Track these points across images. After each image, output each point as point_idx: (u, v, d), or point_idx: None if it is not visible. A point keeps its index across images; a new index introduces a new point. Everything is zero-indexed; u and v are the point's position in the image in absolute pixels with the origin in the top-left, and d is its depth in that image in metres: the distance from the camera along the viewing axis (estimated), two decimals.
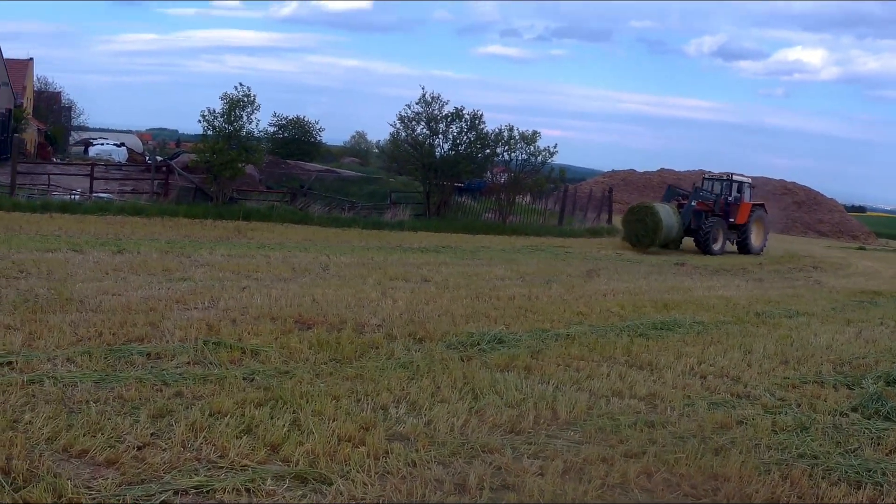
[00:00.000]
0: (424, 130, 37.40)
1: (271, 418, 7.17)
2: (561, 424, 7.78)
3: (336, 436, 6.89)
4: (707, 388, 9.69)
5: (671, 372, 10.18)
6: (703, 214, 35.05)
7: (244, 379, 8.38)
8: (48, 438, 6.38)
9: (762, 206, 38.17)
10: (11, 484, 5.54)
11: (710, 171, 38.21)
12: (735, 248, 36.40)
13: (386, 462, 6.50)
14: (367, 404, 7.83)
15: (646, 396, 8.98)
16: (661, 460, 6.97)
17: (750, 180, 37.96)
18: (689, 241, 35.07)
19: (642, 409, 8.54)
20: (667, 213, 33.33)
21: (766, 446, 7.66)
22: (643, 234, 32.89)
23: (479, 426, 7.49)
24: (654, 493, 6.39)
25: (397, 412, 7.69)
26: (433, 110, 37.20)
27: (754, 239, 36.79)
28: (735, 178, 37.04)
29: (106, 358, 8.63)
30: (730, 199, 36.33)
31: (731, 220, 35.85)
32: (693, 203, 35.12)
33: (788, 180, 79.77)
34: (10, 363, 8.21)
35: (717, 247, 34.49)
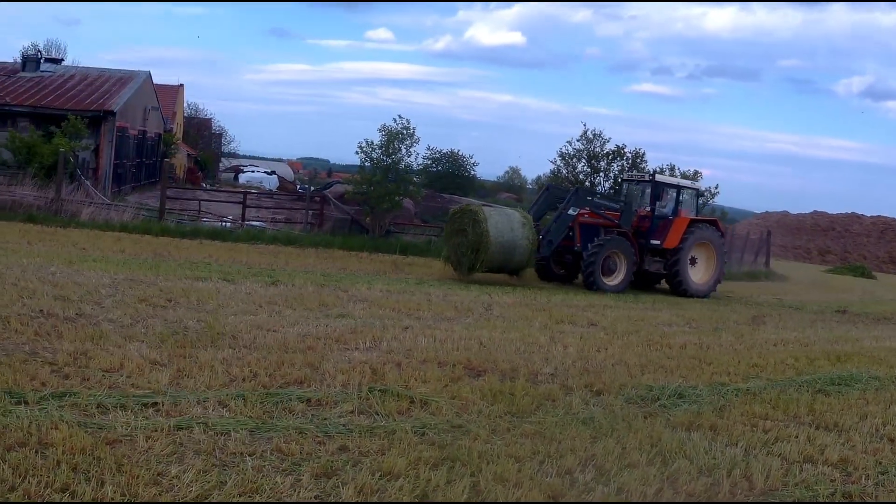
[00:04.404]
0: (585, 168, 37.17)
1: (448, 483, 6.64)
2: (758, 495, 7.29)
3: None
4: None
5: (858, 434, 9.62)
6: (599, 231, 25.63)
7: (415, 433, 7.86)
8: (197, 497, 5.92)
9: (713, 223, 27.75)
10: None
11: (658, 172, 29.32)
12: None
13: None
14: (552, 468, 7.27)
15: (838, 462, 8.45)
16: None
17: (697, 185, 29.31)
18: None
19: (837, 477, 8.03)
20: (503, 223, 23.63)
21: None
22: (463, 253, 23.53)
23: (673, 496, 6.99)
24: None
25: (584, 478, 7.12)
26: (594, 148, 37.18)
27: (695, 273, 26.60)
28: (660, 179, 27.51)
29: (262, 403, 8.21)
30: (659, 209, 26.64)
31: (656, 241, 25.97)
32: (571, 212, 25.20)
33: None
34: (155, 404, 7.84)
35: (613, 281, 24.83)
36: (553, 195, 26.60)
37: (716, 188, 38.28)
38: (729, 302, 25.44)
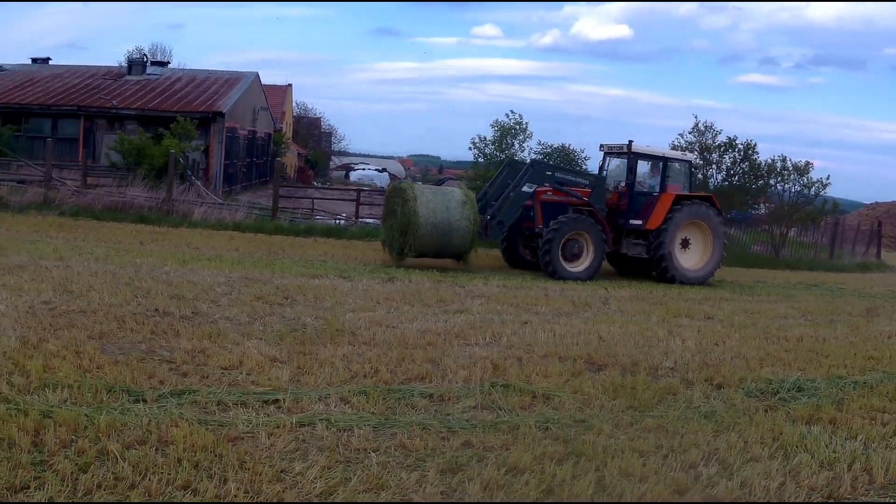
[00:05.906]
0: (698, 160, 36.68)
1: (573, 478, 6.63)
2: (878, 489, 7.24)
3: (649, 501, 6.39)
4: None
5: None
6: (567, 210, 22.62)
7: (538, 428, 7.86)
8: (322, 493, 5.97)
9: (707, 199, 23.93)
10: None
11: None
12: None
13: None
14: (676, 462, 7.26)
15: None
16: None
17: (688, 157, 25.77)
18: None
19: None
20: (438, 203, 21.24)
21: None
22: (394, 235, 21.49)
23: (795, 490, 6.96)
24: None
25: (708, 472, 7.09)
26: (706, 140, 36.90)
27: (688, 257, 23.40)
28: (637, 149, 23.47)
29: (384, 399, 8.29)
30: (643, 185, 23.82)
31: (637, 221, 23.02)
32: (527, 189, 22.25)
33: None
34: (276, 401, 7.95)
35: (577, 267, 21.85)
36: (514, 172, 23.14)
37: (827, 178, 37.34)
38: (842, 294, 24.97)
